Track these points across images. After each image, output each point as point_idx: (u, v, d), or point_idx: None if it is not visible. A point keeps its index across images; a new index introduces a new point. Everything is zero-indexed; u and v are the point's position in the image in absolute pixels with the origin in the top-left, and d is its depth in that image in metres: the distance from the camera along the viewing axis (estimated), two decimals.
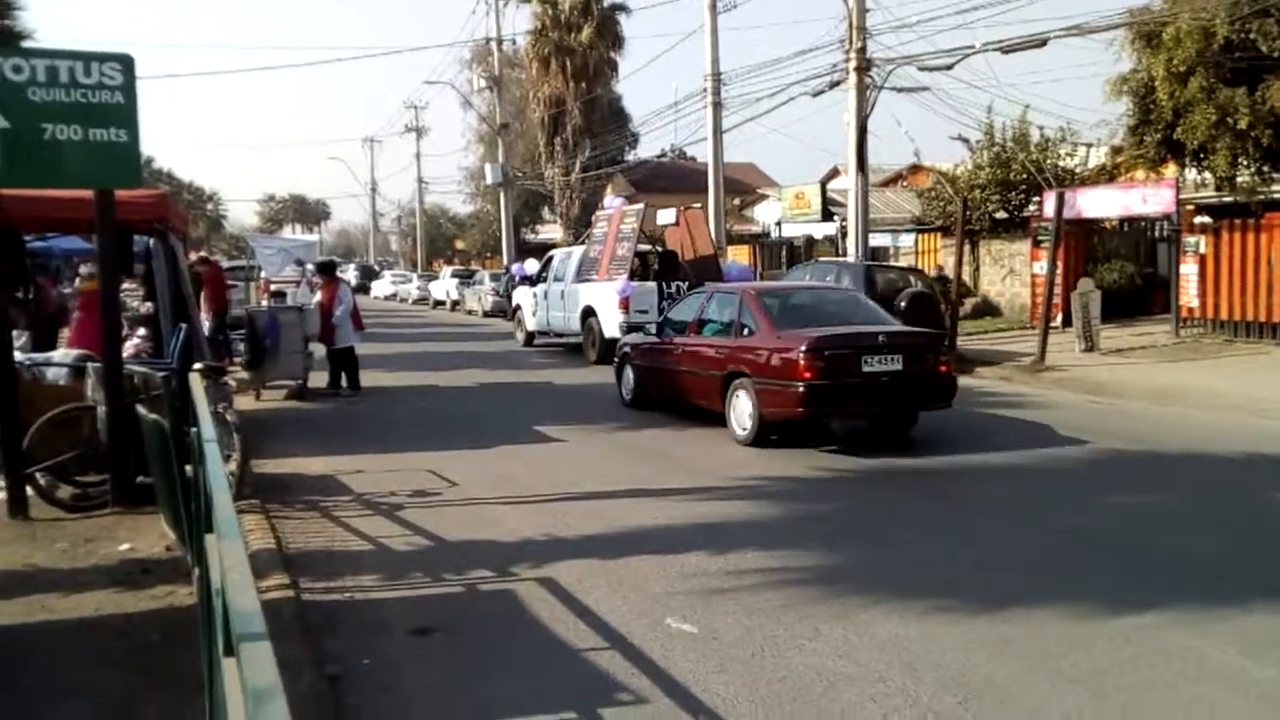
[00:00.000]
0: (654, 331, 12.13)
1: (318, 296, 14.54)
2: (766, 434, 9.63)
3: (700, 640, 4.71)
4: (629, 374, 12.59)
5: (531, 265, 23.94)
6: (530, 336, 21.97)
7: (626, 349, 12.80)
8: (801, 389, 9.04)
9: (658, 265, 18.46)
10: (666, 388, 11.74)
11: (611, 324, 16.84)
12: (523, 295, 22.47)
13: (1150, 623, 4.88)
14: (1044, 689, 4.17)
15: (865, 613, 5.06)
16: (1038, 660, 4.44)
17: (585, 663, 4.50)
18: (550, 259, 21.95)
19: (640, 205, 19.35)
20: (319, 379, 13.99)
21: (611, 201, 20.93)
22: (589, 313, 18.34)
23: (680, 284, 17.02)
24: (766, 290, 11.73)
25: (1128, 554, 6.07)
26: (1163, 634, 4.73)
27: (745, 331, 10.23)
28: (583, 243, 21.38)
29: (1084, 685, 4.19)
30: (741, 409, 9.86)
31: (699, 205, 21.10)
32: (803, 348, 9.18)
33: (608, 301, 17.45)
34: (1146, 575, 5.63)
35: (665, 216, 20.11)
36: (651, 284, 17.40)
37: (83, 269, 12.58)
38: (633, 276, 17.62)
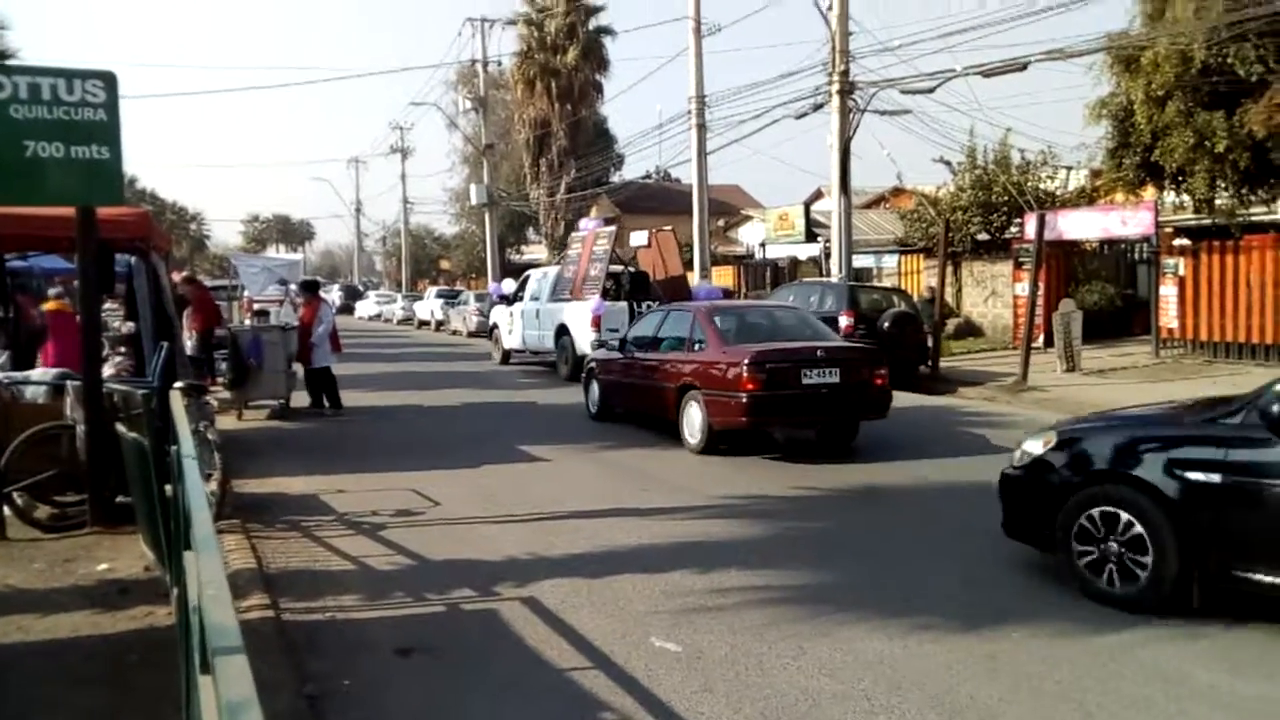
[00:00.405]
0: (618, 348, 12.66)
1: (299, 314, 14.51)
2: (715, 442, 10.25)
3: (684, 659, 4.69)
4: (594, 388, 13.16)
5: (509, 285, 24.54)
6: (507, 355, 22.39)
7: (593, 364, 13.38)
8: (745, 399, 9.68)
9: (629, 285, 18.83)
10: (628, 401, 12.45)
11: (584, 342, 17.14)
12: (500, 314, 22.97)
13: (1133, 640, 4.89)
14: (1028, 707, 4.17)
15: (849, 630, 5.05)
16: (1022, 678, 4.44)
17: (569, 683, 4.47)
18: (527, 279, 22.22)
19: (613, 227, 19.82)
20: (301, 398, 13.92)
21: (586, 223, 21.39)
22: (563, 331, 18.73)
23: (651, 303, 17.17)
24: (717, 308, 12.15)
25: None
26: (1145, 651, 4.74)
27: (696, 347, 10.94)
28: (559, 263, 21.93)
29: (1068, 703, 4.19)
30: (692, 419, 10.56)
31: (670, 227, 21.55)
32: (746, 361, 9.82)
33: (581, 320, 17.82)
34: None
35: (638, 238, 20.56)
36: (623, 303, 17.74)
37: (50, 290, 12.47)
38: (605, 296, 18.03)
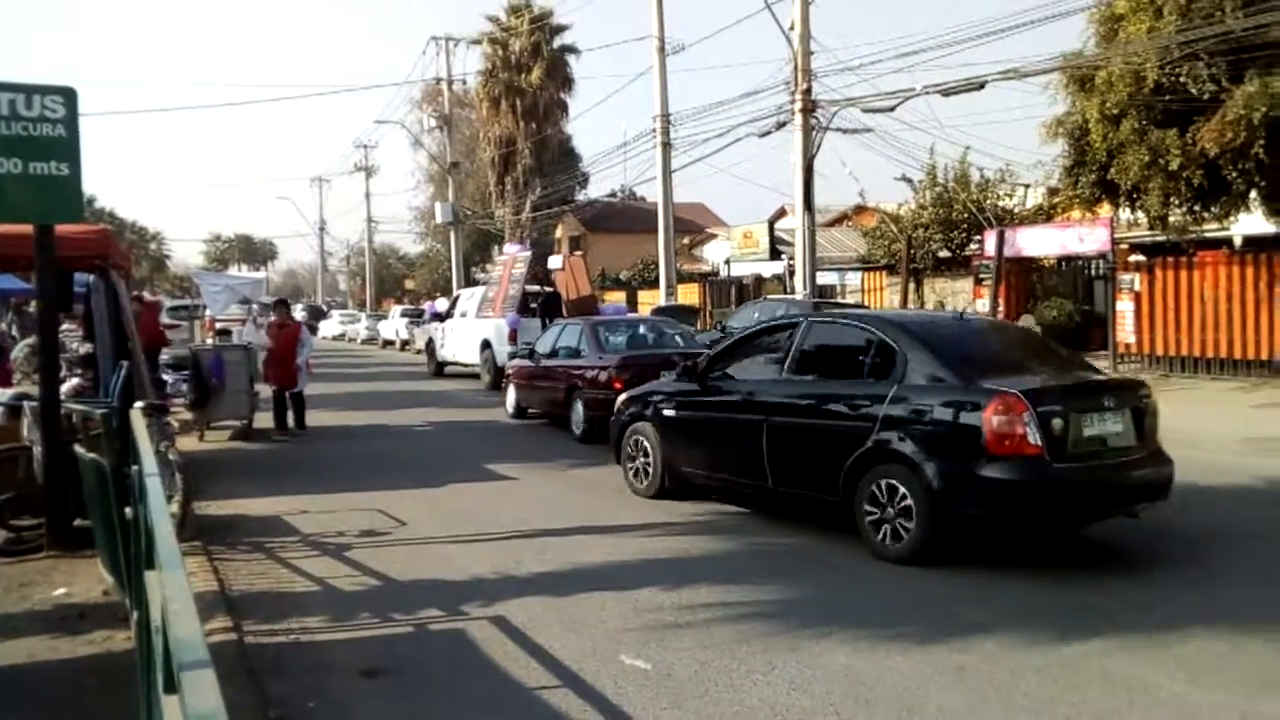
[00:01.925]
0: (528, 356, 14.82)
1: (262, 334, 14.36)
2: (593, 432, 12.14)
3: (654, 677, 4.67)
4: (511, 391, 15.59)
5: (443, 304, 27.07)
6: (440, 366, 24.29)
7: (509, 371, 15.93)
8: (613, 397, 10.63)
9: (543, 303, 21.09)
10: (535, 401, 14.84)
11: (503, 353, 19.17)
12: (434, 330, 25.42)
13: (1097, 650, 4.94)
14: (998, 718, 4.19)
15: (818, 644, 5.06)
16: (990, 689, 4.47)
17: (537, 702, 4.44)
18: (457, 298, 24.86)
19: (528, 252, 23.21)
20: (265, 419, 13.75)
21: (509, 249, 24.60)
22: (485, 344, 20.83)
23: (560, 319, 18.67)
24: (601, 323, 14.60)
25: (1070, 582, 6.15)
26: (1109, 661, 4.79)
27: (582, 355, 13.36)
28: (484, 284, 24.67)
29: (1036, 714, 4.23)
30: (577, 413, 12.88)
31: (581, 253, 24.99)
32: (614, 365, 12.28)
33: (500, 334, 20.07)
34: (1089, 603, 5.70)
35: (555, 261, 24.06)
36: (536, 320, 19.70)
37: None
38: (522, 313, 20.36)
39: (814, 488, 7.39)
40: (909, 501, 6.57)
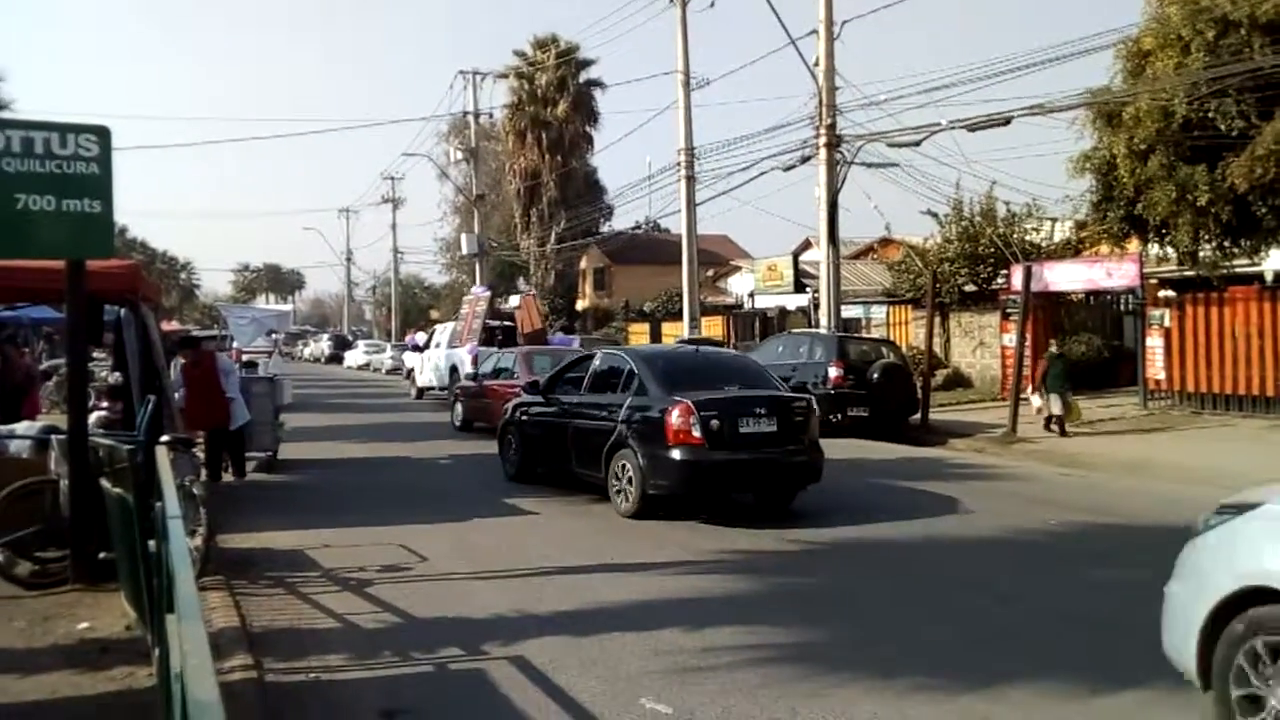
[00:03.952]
0: (474, 379, 17.83)
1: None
2: None
3: None
4: (458, 408, 18.82)
5: (421, 337, 32.36)
6: (421, 391, 27.78)
7: (456, 391, 19.43)
8: None
9: (501, 335, 25.02)
10: (479, 415, 17.57)
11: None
12: (414, 359, 29.57)
13: (1130, 702, 4.84)
14: None
15: (843, 691, 4.98)
16: None
17: None
18: (434, 331, 29.61)
19: (489, 292, 28.18)
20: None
21: (476, 290, 29.97)
22: (454, 370, 24.37)
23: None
24: (535, 351, 18.62)
25: (1102, 630, 6.04)
26: (1143, 714, 4.69)
27: (515, 375, 16.23)
28: (456, 319, 29.08)
29: None
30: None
31: (533, 292, 31.32)
32: (528, 381, 14.15)
33: (464, 361, 23.38)
34: (1122, 652, 5.58)
35: (514, 300, 29.24)
36: (495, 349, 21.97)
37: None
38: (484, 343, 23.73)
39: (592, 468, 10.35)
40: (631, 474, 9.61)
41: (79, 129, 6.72)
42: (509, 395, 14.21)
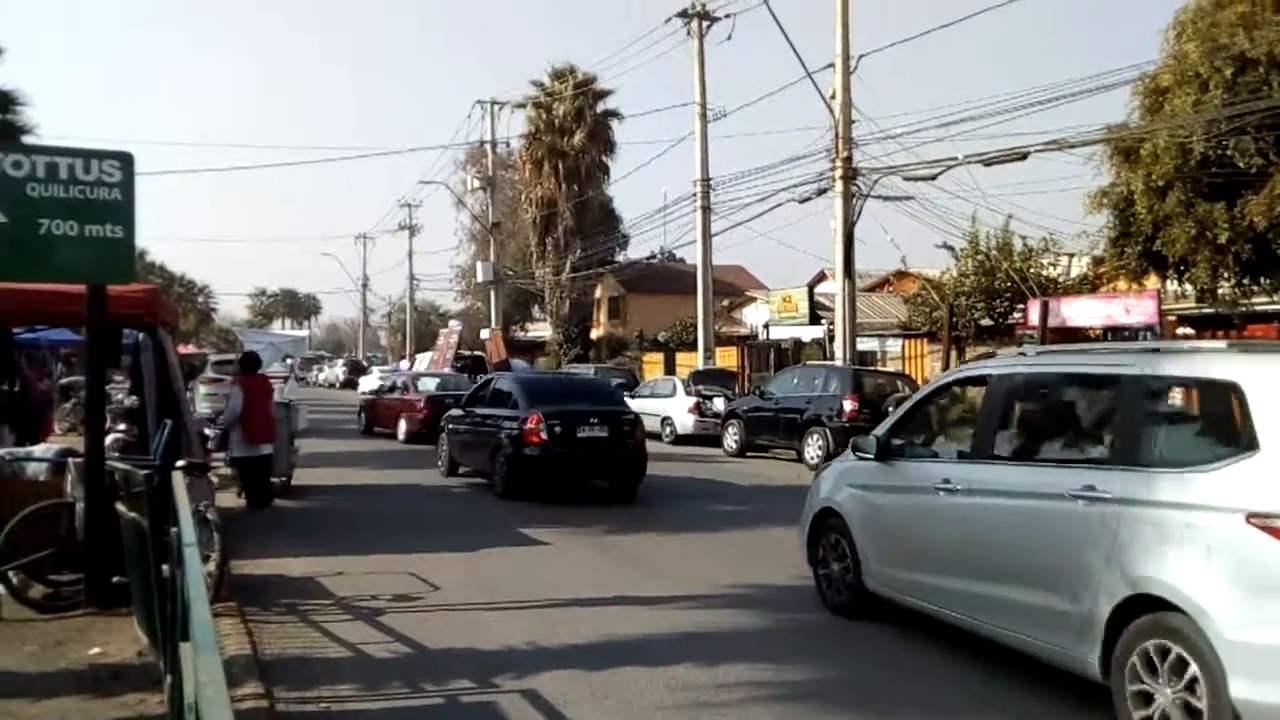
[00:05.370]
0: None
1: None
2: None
3: None
4: (363, 416, 24.51)
5: (405, 365, 39.12)
6: None
7: (360, 401, 25.95)
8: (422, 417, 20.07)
9: (471, 363, 30.23)
10: (377, 421, 23.08)
11: None
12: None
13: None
14: None
15: None
16: None
17: None
18: (416, 360, 36.43)
19: (460, 326, 36.07)
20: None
21: (453, 324, 37.53)
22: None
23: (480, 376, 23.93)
24: (418, 374, 25.61)
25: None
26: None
27: (405, 392, 22.76)
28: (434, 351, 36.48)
29: None
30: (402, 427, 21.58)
31: (498, 329, 37.59)
32: (422, 401, 20.62)
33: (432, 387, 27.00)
34: None
35: (485, 334, 36.85)
36: (465, 375, 25.48)
37: None
38: (458, 370, 27.85)
39: (487, 463, 13.85)
40: (506, 467, 13.10)
41: (102, 154, 6.80)
42: (394, 407, 21.78)
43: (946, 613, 6.05)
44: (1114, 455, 5.12)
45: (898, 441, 6.80)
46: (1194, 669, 4.26)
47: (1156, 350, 5.42)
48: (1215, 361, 4.97)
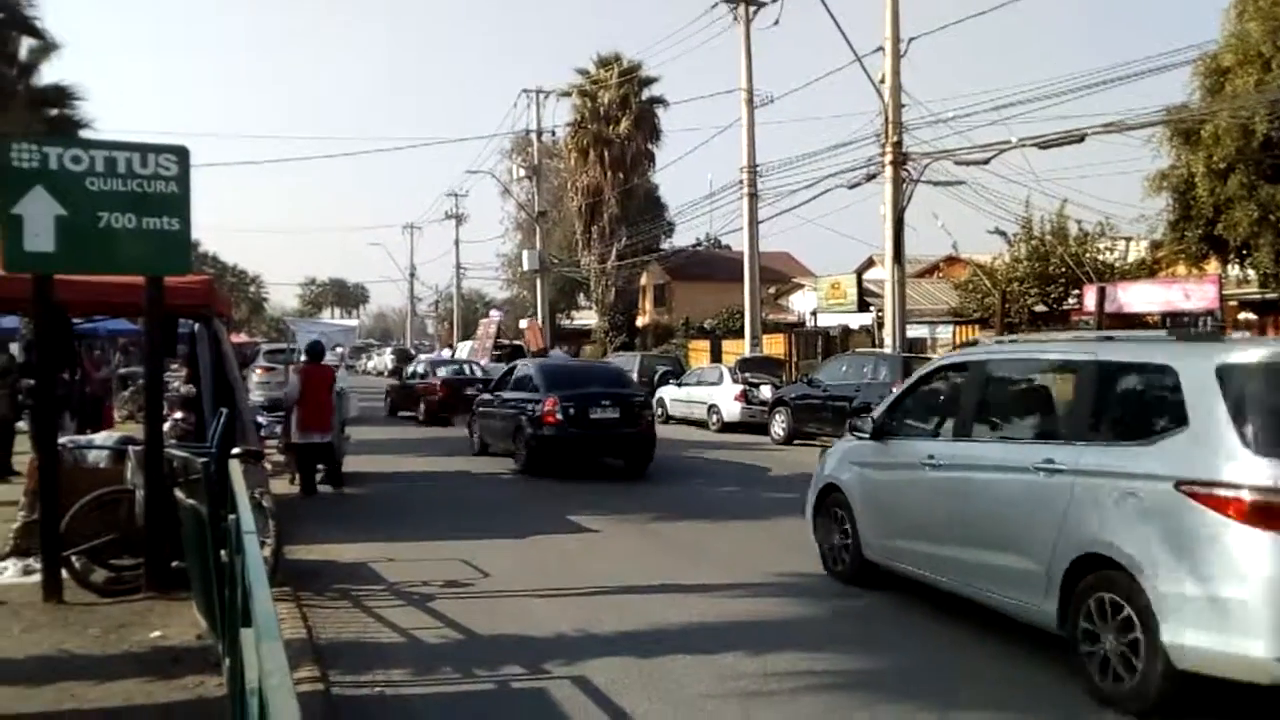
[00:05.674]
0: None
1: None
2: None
3: None
4: (389, 400, 26.86)
5: (447, 353, 39.88)
6: None
7: (388, 388, 28.00)
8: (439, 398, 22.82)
9: (510, 351, 31.64)
10: (402, 405, 25.41)
11: None
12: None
13: None
14: None
15: None
16: None
17: None
18: (456, 349, 38.28)
19: (500, 315, 39.23)
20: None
21: (494, 314, 40.22)
22: None
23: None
24: (438, 360, 27.56)
25: None
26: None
27: (427, 377, 24.93)
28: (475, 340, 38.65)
29: None
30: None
31: (537, 319, 39.33)
32: (439, 381, 23.45)
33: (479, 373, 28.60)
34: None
35: (524, 323, 38.53)
36: (503, 364, 25.80)
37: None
38: (496, 360, 29.65)
39: (510, 443, 15.01)
40: (525, 446, 14.27)
41: (159, 148, 6.90)
42: (416, 390, 24.31)
43: (936, 578, 6.61)
44: (1071, 431, 5.71)
45: (892, 422, 7.34)
46: (1131, 616, 4.86)
47: (1110, 338, 6.20)
48: (1157, 349, 5.59)
